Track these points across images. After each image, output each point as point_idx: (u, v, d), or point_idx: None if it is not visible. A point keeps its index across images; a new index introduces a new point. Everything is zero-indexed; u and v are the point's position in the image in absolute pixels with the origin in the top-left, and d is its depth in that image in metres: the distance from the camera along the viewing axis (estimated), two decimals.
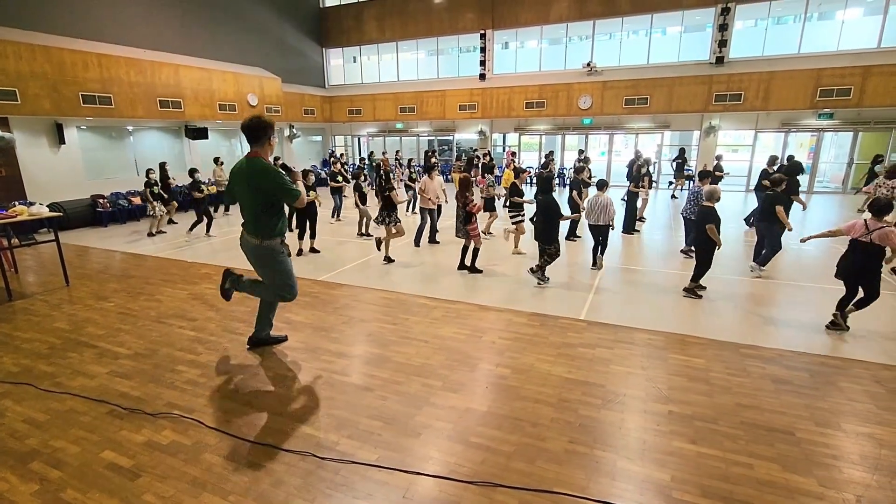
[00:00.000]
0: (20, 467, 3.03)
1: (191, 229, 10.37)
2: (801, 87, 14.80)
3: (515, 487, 2.81)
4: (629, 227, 9.92)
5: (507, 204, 8.55)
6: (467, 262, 7.35)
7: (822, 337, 4.93)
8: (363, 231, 10.15)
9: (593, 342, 4.79)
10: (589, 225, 7.46)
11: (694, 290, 6.19)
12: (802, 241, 5.62)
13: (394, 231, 7.77)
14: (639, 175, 10.33)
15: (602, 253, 7.46)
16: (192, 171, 10.40)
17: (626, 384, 3.98)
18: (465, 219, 7.07)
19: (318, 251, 8.71)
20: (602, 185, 7.41)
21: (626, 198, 10.67)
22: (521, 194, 8.25)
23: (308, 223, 8.54)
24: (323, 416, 3.54)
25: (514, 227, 8.31)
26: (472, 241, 7.19)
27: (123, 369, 4.34)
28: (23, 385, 4.07)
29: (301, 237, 8.60)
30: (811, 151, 16.85)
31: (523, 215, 8.30)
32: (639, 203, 10.56)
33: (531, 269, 6.68)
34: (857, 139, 15.71)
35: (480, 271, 7.24)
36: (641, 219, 10.91)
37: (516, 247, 8.46)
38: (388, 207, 7.67)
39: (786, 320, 5.38)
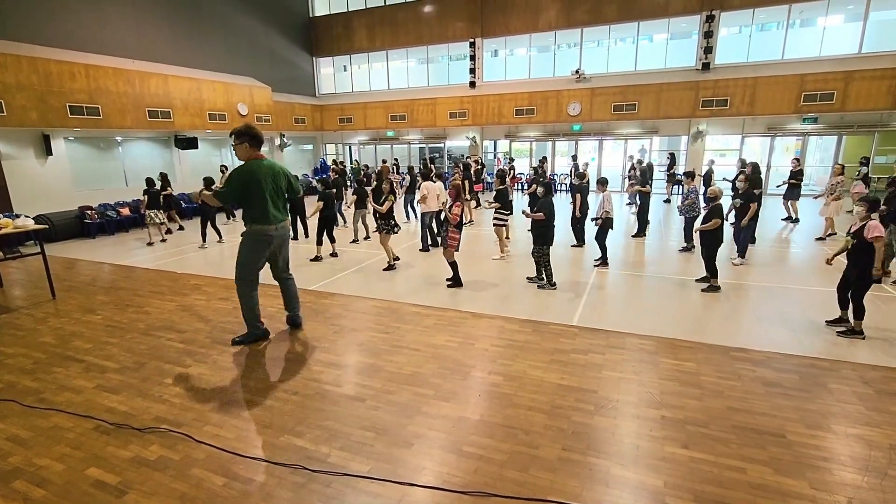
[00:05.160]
0: (2, 487, 2.96)
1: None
2: (785, 92, 15.05)
3: (509, 497, 2.79)
4: (641, 229, 10.14)
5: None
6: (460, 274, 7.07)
7: (811, 339, 4.97)
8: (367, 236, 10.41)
9: (585, 348, 4.79)
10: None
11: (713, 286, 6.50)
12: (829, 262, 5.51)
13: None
14: (650, 176, 10.51)
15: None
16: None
17: (618, 390, 3.98)
18: (447, 227, 6.78)
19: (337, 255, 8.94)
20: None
21: (636, 201, 10.84)
22: (506, 199, 8.36)
23: (326, 229, 8.70)
24: (314, 428, 3.50)
25: (497, 229, 8.45)
26: (450, 251, 6.76)
27: (110, 383, 4.27)
28: (6, 402, 3.98)
29: (321, 243, 8.70)
30: (797, 155, 17.09)
31: (505, 219, 8.47)
32: (634, 208, 10.72)
33: (541, 286, 6.72)
34: (841, 142, 15.98)
35: (460, 285, 6.90)
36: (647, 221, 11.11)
37: (502, 251, 8.54)
38: (388, 216, 7.66)
39: (775, 323, 5.42)
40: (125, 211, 12.89)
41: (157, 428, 3.54)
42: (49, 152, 11.93)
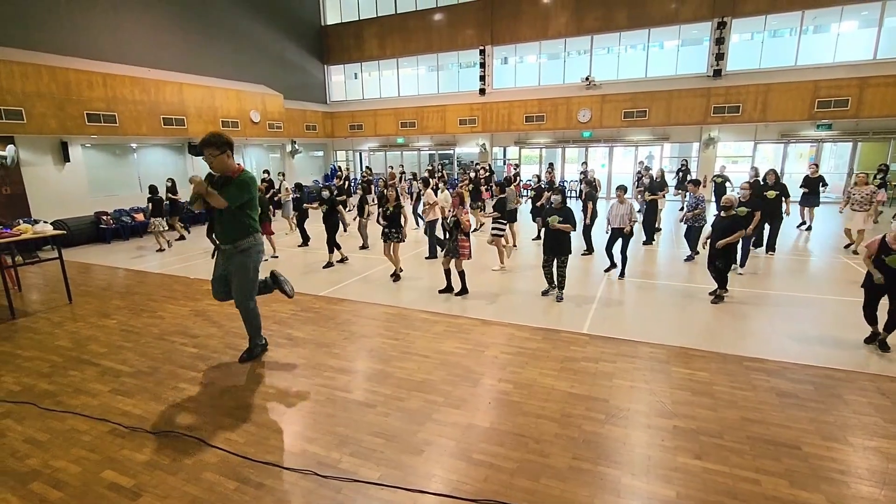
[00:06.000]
0: (20, 488, 3.02)
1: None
2: (798, 99, 14.92)
3: None
4: (649, 237, 10.07)
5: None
6: (454, 284, 7.00)
7: (826, 349, 4.90)
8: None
9: (596, 356, 4.77)
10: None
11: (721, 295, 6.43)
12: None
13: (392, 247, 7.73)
14: (663, 183, 10.46)
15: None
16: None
17: (629, 399, 3.95)
18: (457, 235, 6.71)
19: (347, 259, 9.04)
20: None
21: (643, 209, 10.75)
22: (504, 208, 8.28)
23: (332, 235, 8.77)
24: (324, 434, 3.52)
25: (495, 239, 8.21)
26: (461, 260, 6.76)
27: (125, 387, 4.33)
28: (24, 404, 4.06)
29: (332, 250, 8.77)
30: (811, 161, 16.89)
31: (504, 229, 8.31)
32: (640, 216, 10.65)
33: (559, 298, 6.56)
34: (856, 149, 15.78)
35: (467, 292, 6.88)
36: (658, 228, 11.09)
37: (503, 262, 8.35)
38: (396, 224, 7.61)
39: (789, 332, 5.35)
40: (140, 216, 13.09)
41: (171, 431, 3.58)
42: (67, 159, 12.19)
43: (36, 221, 7.34)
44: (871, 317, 4.92)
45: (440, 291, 6.98)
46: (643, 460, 3.17)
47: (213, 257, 4.72)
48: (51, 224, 8.12)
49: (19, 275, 7.84)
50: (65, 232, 7.90)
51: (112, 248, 11.46)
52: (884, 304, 4.78)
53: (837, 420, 3.60)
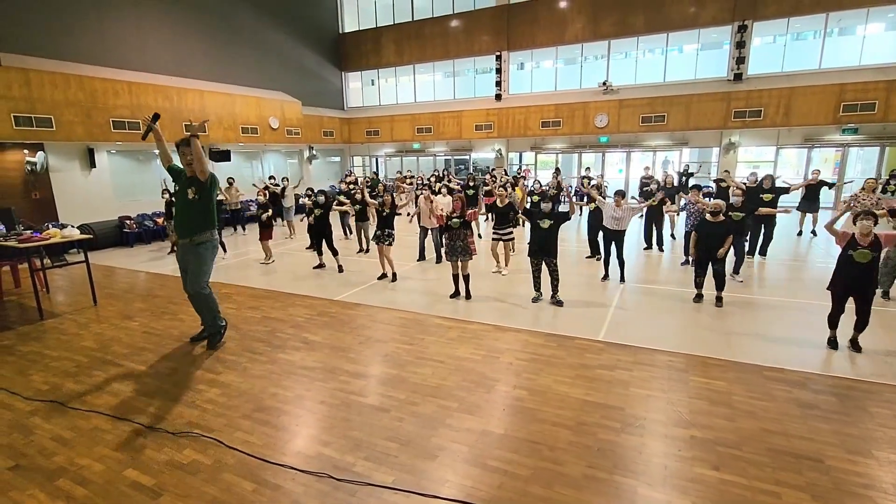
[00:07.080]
0: (48, 484, 3.11)
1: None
2: (823, 103, 14.59)
3: None
4: (660, 243, 9.98)
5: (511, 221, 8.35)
6: (460, 286, 7.04)
7: (849, 359, 4.77)
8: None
9: (612, 364, 4.72)
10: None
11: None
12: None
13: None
14: (677, 191, 10.35)
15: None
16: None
17: (646, 407, 3.90)
18: (464, 234, 6.77)
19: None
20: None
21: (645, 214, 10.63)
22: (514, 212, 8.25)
23: (326, 239, 8.79)
24: (339, 437, 3.56)
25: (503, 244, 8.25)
26: (467, 261, 6.84)
27: (146, 388, 4.44)
28: (51, 403, 4.19)
29: (335, 253, 8.84)
30: (836, 166, 16.48)
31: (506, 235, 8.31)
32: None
33: (559, 301, 6.59)
34: (883, 154, 15.36)
35: (469, 297, 6.93)
36: (672, 236, 11.00)
37: (506, 265, 8.41)
38: (388, 226, 7.86)
39: (809, 341, 5.22)
40: (161, 221, 13.39)
41: (190, 432, 3.66)
42: (93, 165, 12.55)
43: (63, 226, 7.58)
44: (836, 320, 5.08)
45: (451, 296, 7.00)
46: (659, 470, 3.13)
47: (173, 252, 5.29)
48: (77, 228, 8.37)
49: (47, 277, 8.09)
50: (91, 236, 8.13)
51: (134, 251, 11.75)
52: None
53: (862, 433, 3.50)
